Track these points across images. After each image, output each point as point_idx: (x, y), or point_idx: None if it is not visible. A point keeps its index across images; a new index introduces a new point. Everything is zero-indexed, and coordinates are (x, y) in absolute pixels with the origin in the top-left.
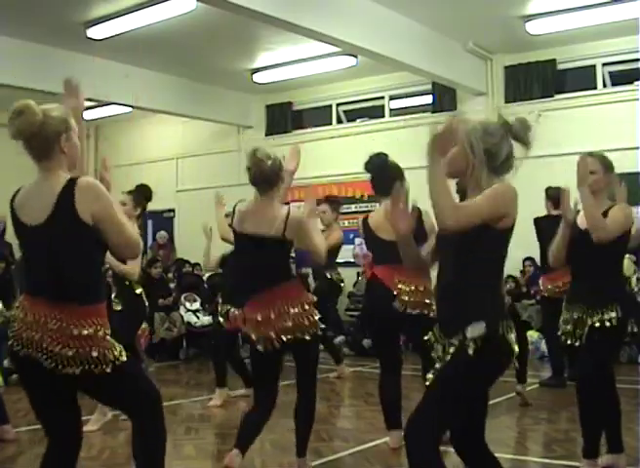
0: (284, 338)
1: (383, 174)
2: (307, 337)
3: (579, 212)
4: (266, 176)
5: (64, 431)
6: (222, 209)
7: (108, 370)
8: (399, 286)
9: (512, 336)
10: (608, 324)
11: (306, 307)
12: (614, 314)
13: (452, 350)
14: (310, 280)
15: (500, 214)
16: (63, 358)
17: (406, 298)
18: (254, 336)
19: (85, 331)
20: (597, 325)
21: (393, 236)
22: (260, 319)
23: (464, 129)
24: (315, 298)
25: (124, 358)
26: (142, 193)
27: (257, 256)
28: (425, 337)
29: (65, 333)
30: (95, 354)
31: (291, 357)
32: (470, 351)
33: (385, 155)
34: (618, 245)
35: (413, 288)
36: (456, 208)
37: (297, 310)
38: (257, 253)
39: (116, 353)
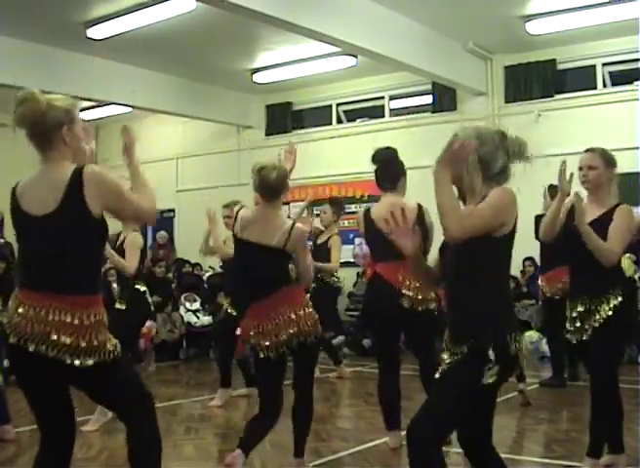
0: (290, 345)
1: (389, 167)
2: (310, 340)
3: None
4: (272, 187)
5: (58, 428)
6: (216, 227)
7: (109, 360)
8: (405, 282)
9: (518, 346)
10: (611, 312)
11: (308, 310)
12: (619, 299)
13: (459, 357)
14: None
15: (500, 222)
16: (66, 348)
17: (411, 294)
18: (260, 344)
19: (86, 321)
20: (604, 316)
21: None
22: (261, 329)
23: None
24: (309, 298)
25: (119, 350)
26: None
27: (257, 264)
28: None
29: (67, 323)
30: (96, 343)
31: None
32: (479, 360)
33: (394, 150)
34: None
35: (418, 284)
36: (461, 218)
37: (300, 313)
38: (257, 260)
39: (113, 344)
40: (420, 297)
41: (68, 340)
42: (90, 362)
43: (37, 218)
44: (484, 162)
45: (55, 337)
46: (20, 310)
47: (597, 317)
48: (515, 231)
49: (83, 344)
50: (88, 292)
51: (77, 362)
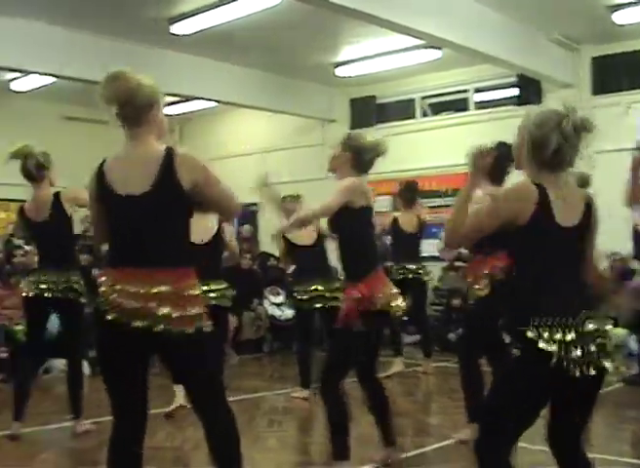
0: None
1: (499, 164)
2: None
3: None
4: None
5: (134, 408)
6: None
7: (206, 328)
8: None
9: (548, 337)
10: None
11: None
12: None
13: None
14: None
15: (509, 218)
16: (166, 318)
17: None
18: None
19: (182, 292)
20: None
21: None
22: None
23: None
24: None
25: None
26: None
27: (373, 232)
28: None
29: (164, 293)
30: (193, 312)
31: None
32: (514, 351)
33: (508, 147)
34: None
35: None
36: (455, 230)
37: (381, 295)
38: (371, 226)
39: (207, 324)
40: None
41: (166, 311)
42: (190, 330)
43: (131, 198)
44: (537, 144)
45: (155, 310)
46: (118, 287)
47: None
48: (538, 226)
49: (179, 313)
50: (180, 265)
51: (176, 330)
